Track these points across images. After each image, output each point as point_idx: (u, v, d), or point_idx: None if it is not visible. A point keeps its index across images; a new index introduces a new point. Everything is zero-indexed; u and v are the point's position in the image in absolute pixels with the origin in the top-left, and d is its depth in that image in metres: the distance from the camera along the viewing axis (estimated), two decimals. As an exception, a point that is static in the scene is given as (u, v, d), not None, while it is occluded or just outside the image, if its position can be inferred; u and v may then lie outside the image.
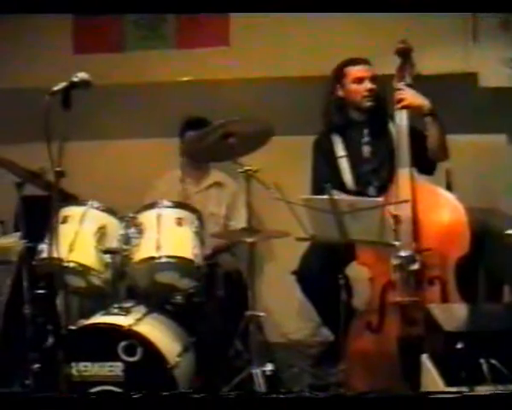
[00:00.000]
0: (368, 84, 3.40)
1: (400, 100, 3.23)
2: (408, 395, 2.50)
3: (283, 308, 4.14)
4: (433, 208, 3.11)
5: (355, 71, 3.42)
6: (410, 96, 3.22)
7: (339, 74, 3.46)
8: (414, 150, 3.17)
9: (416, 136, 3.23)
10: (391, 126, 3.41)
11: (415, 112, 3.24)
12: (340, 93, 3.46)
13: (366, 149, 3.43)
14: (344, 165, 3.43)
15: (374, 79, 3.42)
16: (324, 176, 3.34)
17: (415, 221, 3.05)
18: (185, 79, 4.24)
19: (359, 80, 3.42)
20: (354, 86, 3.42)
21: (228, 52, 4.15)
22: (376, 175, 3.39)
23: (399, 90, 3.24)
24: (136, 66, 4.18)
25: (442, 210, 3.11)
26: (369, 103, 3.41)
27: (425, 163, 3.30)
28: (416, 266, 3.00)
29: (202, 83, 4.18)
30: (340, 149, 3.45)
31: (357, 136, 3.45)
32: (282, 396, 2.34)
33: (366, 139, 3.43)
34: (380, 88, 3.42)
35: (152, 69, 4.20)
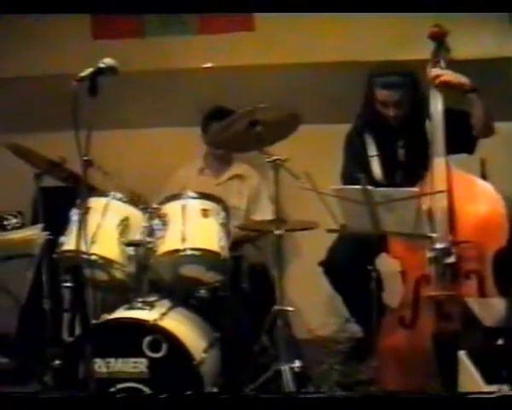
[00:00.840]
0: (391, 112, 3.30)
1: (437, 77, 3.14)
2: (442, 395, 2.46)
3: (309, 303, 4.11)
4: (470, 199, 3.07)
5: (381, 95, 3.29)
6: (448, 73, 3.15)
7: (369, 88, 3.34)
8: (456, 131, 3.11)
9: (456, 117, 3.17)
10: (427, 124, 3.28)
11: (456, 90, 3.16)
12: (372, 102, 3.35)
13: (401, 153, 3.38)
14: (375, 165, 3.37)
15: (398, 104, 3.29)
16: (354, 175, 3.21)
17: (451, 212, 3.01)
18: (208, 65, 4.21)
19: (384, 104, 3.31)
20: (380, 107, 3.33)
21: (253, 37, 4.09)
22: (410, 181, 3.20)
23: (435, 70, 3.17)
24: (158, 52, 4.14)
25: (479, 201, 3.07)
26: (394, 123, 3.33)
27: (467, 142, 3.25)
28: (451, 259, 2.97)
29: (226, 69, 4.15)
30: (372, 148, 3.40)
31: (391, 138, 3.38)
32: (309, 396, 2.32)
33: (401, 143, 3.38)
34: (419, 93, 3.31)
35: (174, 56, 4.16)
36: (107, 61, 2.55)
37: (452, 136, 3.11)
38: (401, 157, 3.39)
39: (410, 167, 3.33)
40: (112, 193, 3.22)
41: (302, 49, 4.02)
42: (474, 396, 2.21)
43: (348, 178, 3.35)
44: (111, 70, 2.54)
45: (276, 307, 3.14)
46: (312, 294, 3.94)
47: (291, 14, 3.73)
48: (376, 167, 3.37)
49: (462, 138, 3.18)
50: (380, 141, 3.40)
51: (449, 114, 3.16)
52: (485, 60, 3.89)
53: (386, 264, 3.30)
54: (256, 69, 4.11)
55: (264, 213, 3.79)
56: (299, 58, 4.03)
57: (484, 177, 3.65)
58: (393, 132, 3.38)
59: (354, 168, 3.35)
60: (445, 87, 3.16)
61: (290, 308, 3.18)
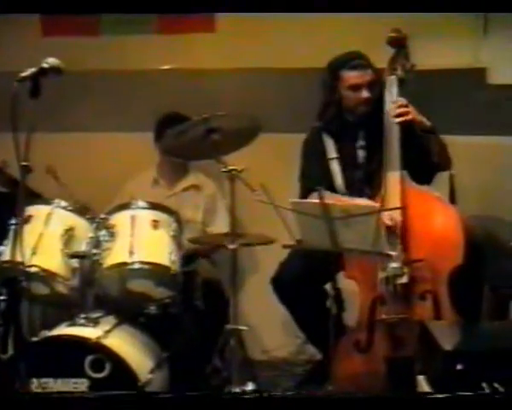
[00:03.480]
0: (364, 93, 3.33)
1: (403, 114, 3.18)
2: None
3: (266, 323, 4.15)
4: (424, 215, 3.12)
5: (351, 77, 3.33)
6: (413, 111, 3.19)
7: (334, 76, 3.39)
8: (413, 156, 3.17)
9: (416, 139, 3.24)
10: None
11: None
12: (336, 95, 3.40)
13: (361, 154, 3.43)
14: (335, 168, 3.42)
15: (372, 84, 3.34)
16: (314, 178, 3.33)
17: (404, 230, 3.05)
18: (166, 67, 4.26)
19: (355, 87, 3.35)
20: (349, 93, 3.36)
21: (213, 39, 4.15)
22: (369, 183, 3.35)
23: (399, 102, 3.20)
24: (113, 52, 4.18)
25: (433, 217, 3.13)
26: (364, 110, 3.37)
27: (424, 171, 3.30)
28: (404, 280, 3.01)
29: (184, 72, 4.20)
30: (331, 151, 3.44)
31: (351, 139, 3.44)
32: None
33: (361, 143, 3.42)
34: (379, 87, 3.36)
35: (130, 56, 4.20)
36: (51, 61, 2.57)
37: (409, 159, 3.17)
38: (361, 159, 3.43)
39: (370, 170, 3.38)
40: (56, 201, 3.23)
41: (264, 55, 4.09)
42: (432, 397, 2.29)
43: (307, 184, 3.37)
44: (55, 70, 2.55)
45: (229, 326, 3.17)
46: (269, 312, 3.95)
47: (254, 14, 3.80)
48: (337, 171, 3.41)
49: (419, 165, 3.23)
50: (339, 142, 3.45)
51: (408, 132, 3.21)
52: (457, 70, 3.99)
53: (348, 282, 3.36)
54: (216, 73, 4.16)
55: (221, 226, 3.82)
56: (260, 63, 4.10)
57: (452, 193, 3.71)
58: (353, 131, 3.43)
59: (313, 172, 3.42)
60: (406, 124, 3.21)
61: (244, 327, 3.21)
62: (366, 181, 3.37)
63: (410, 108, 3.20)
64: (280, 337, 4.17)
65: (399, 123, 3.18)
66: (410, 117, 3.18)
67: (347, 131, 3.44)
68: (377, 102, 3.33)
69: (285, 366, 4.02)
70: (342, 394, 2.94)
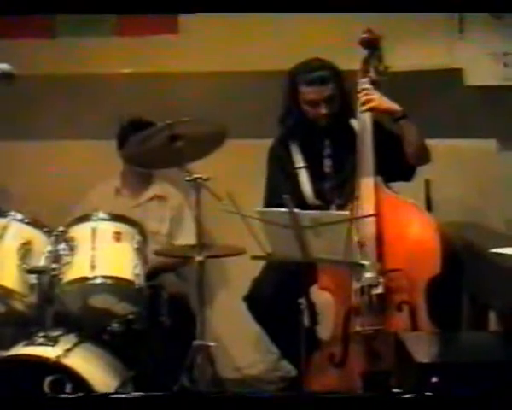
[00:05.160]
0: (322, 110, 3.38)
1: (366, 101, 3.28)
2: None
3: (237, 338, 4.18)
4: (400, 223, 3.18)
5: (308, 92, 3.37)
6: (378, 97, 3.28)
7: (293, 87, 3.43)
8: (389, 155, 3.24)
9: (390, 138, 3.32)
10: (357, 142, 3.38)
11: (386, 115, 3.32)
12: (296, 104, 3.44)
13: (327, 163, 3.46)
14: (303, 177, 3.46)
15: (332, 99, 3.39)
16: (280, 188, 3.33)
17: (379, 238, 3.12)
18: (127, 71, 4.28)
19: (313, 103, 3.40)
20: (308, 107, 3.41)
21: (177, 41, 4.19)
22: (339, 192, 3.39)
23: (364, 90, 3.30)
24: (69, 55, 4.18)
25: (409, 225, 3.19)
26: (324, 123, 3.42)
27: (403, 168, 3.37)
28: (379, 290, 3.08)
29: (147, 76, 4.24)
30: (298, 159, 3.49)
31: (317, 147, 3.47)
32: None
33: (328, 151, 3.46)
34: (347, 89, 3.44)
35: (89, 59, 4.21)
36: (2, 67, 2.60)
37: (386, 159, 3.24)
38: (327, 168, 3.46)
39: (340, 179, 3.43)
40: (12, 213, 3.26)
41: (230, 57, 4.13)
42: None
43: (273, 195, 3.40)
44: (6, 76, 2.59)
45: (197, 343, 3.22)
46: (241, 328, 3.96)
47: (219, 14, 3.84)
48: (305, 180, 3.46)
49: (396, 163, 3.31)
50: (306, 150, 3.49)
51: (382, 133, 3.30)
52: (432, 71, 4.05)
53: (321, 295, 3.43)
54: (180, 77, 4.21)
55: (188, 237, 3.80)
56: (226, 66, 4.14)
57: (428, 199, 3.79)
58: (320, 138, 3.46)
59: (280, 182, 3.46)
60: (374, 112, 3.29)
61: (212, 343, 3.26)
62: (336, 191, 3.41)
63: (375, 95, 3.28)
64: (252, 354, 4.20)
65: (366, 111, 3.26)
66: (373, 104, 3.26)
67: (313, 139, 3.48)
68: (345, 109, 3.41)
69: (258, 384, 4.04)
70: (316, 394, 2.99)
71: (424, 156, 3.40)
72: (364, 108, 3.28)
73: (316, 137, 3.48)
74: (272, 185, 3.51)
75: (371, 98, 3.28)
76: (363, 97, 3.29)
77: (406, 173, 3.43)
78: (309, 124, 3.46)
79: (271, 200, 3.40)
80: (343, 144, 3.40)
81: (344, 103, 3.43)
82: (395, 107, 3.30)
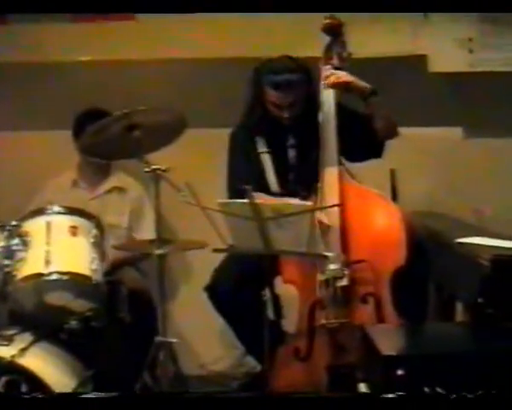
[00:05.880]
0: (285, 114, 3.41)
1: (331, 77, 3.27)
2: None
3: (201, 334, 4.19)
4: (364, 213, 3.20)
5: (272, 96, 3.39)
6: (344, 74, 3.29)
7: (257, 85, 3.44)
8: (357, 135, 3.28)
9: (355, 118, 3.35)
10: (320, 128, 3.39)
11: (354, 93, 3.33)
12: (260, 101, 3.45)
13: (291, 154, 3.48)
14: (267, 162, 3.46)
15: (293, 105, 3.39)
16: (243, 174, 3.36)
17: (343, 229, 3.13)
18: (83, 58, 4.25)
19: (277, 106, 3.41)
20: (272, 108, 3.43)
21: (133, 27, 4.16)
22: (304, 183, 3.37)
23: (329, 76, 3.30)
24: (22, 42, 4.14)
25: (374, 215, 3.21)
26: (287, 122, 3.44)
27: (373, 145, 3.41)
28: (344, 282, 3.09)
29: (104, 64, 4.21)
30: (261, 145, 3.49)
31: (281, 137, 3.48)
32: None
33: (292, 142, 3.48)
34: (315, 88, 3.43)
35: (44, 46, 4.18)
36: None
37: (355, 140, 3.28)
38: (292, 159, 3.48)
39: (303, 170, 3.44)
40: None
41: (191, 43, 4.10)
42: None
43: (235, 182, 3.37)
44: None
45: (159, 339, 3.20)
46: (205, 323, 3.99)
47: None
48: (269, 166, 3.46)
49: (365, 142, 3.35)
50: (270, 140, 3.49)
51: (347, 115, 3.32)
52: (395, 57, 4.06)
53: (285, 288, 3.43)
54: (138, 64, 4.19)
55: (148, 231, 3.80)
56: (185, 53, 4.12)
57: (394, 189, 3.81)
58: (284, 129, 3.48)
59: (242, 168, 3.46)
60: (340, 89, 3.31)
61: (174, 340, 3.25)
62: (300, 182, 3.42)
63: (341, 73, 3.28)
64: (217, 349, 4.21)
65: (336, 86, 3.27)
66: (343, 79, 3.26)
67: (277, 131, 3.49)
68: (312, 107, 3.41)
69: (222, 380, 4.05)
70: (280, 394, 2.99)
71: (394, 129, 3.45)
72: (329, 82, 3.27)
73: (280, 130, 3.49)
74: (235, 171, 3.50)
75: (336, 73, 3.29)
76: (327, 73, 3.29)
77: (377, 150, 3.46)
78: (273, 120, 3.48)
79: (235, 185, 3.35)
80: (308, 137, 3.40)
81: (311, 102, 3.43)
82: (363, 83, 3.32)
